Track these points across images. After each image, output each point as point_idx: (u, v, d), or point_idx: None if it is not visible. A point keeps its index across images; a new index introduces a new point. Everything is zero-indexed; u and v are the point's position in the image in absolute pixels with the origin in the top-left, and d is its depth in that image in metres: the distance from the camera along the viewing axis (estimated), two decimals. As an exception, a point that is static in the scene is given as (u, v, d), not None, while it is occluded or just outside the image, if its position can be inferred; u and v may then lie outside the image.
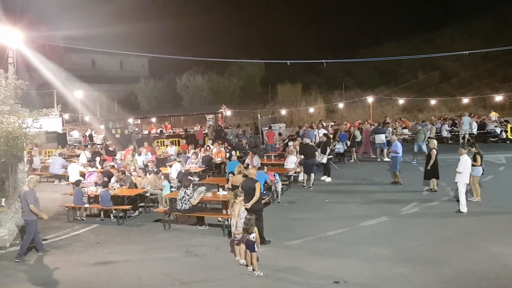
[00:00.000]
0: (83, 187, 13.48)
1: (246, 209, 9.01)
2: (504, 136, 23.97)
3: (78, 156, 20.71)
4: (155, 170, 14.98)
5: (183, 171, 15.74)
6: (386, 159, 19.50)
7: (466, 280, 7.59)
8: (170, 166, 16.82)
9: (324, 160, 16.68)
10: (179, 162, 16.84)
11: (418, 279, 7.73)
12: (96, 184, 13.89)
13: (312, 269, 8.36)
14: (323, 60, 19.08)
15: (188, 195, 11.27)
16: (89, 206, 13.17)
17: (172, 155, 21.45)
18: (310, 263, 8.65)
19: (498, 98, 35.36)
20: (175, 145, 24.58)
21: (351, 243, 9.75)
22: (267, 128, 25.71)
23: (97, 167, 17.53)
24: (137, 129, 33.41)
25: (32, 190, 9.86)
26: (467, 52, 20.06)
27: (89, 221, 12.91)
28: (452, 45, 44.01)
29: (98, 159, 18.75)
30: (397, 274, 7.99)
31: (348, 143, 20.66)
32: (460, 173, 11.49)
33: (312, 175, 15.70)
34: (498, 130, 24.28)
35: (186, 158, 18.31)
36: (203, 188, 12.24)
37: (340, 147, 20.36)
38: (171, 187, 14.19)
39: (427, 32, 54.13)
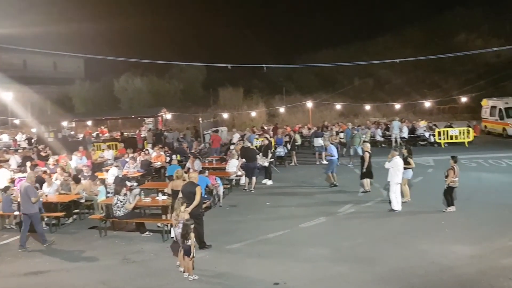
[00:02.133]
0: (12, 194, 12.69)
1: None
2: (432, 140, 25.46)
3: (7, 161, 19.51)
4: (91, 175, 14.43)
5: (120, 176, 15.27)
6: (324, 162, 20.03)
7: (399, 277, 7.98)
8: (107, 171, 16.28)
9: (266, 164, 16.87)
10: (116, 166, 16.32)
11: (354, 277, 8.02)
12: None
13: (252, 272, 8.42)
14: (264, 65, 19.19)
15: (121, 202, 10.96)
16: (19, 213, 12.41)
17: (109, 159, 20.74)
18: (250, 266, 8.71)
19: (427, 104, 37.48)
20: (112, 149, 23.79)
21: (291, 245, 9.93)
22: (213, 132, 25.53)
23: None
24: (72, 132, 32.01)
25: (31, 185, 10.56)
26: (398, 60, 21.10)
27: (19, 229, 12.16)
28: (385, 53, 46.00)
29: (29, 164, 17.75)
30: (335, 274, 8.25)
31: (289, 146, 21.02)
32: (387, 168, 12.17)
33: (254, 178, 15.82)
34: (427, 134, 25.77)
35: (124, 162, 17.79)
36: (137, 190, 11.97)
37: (281, 151, 20.66)
38: (108, 192, 13.72)
39: (362, 41, 56.26)
